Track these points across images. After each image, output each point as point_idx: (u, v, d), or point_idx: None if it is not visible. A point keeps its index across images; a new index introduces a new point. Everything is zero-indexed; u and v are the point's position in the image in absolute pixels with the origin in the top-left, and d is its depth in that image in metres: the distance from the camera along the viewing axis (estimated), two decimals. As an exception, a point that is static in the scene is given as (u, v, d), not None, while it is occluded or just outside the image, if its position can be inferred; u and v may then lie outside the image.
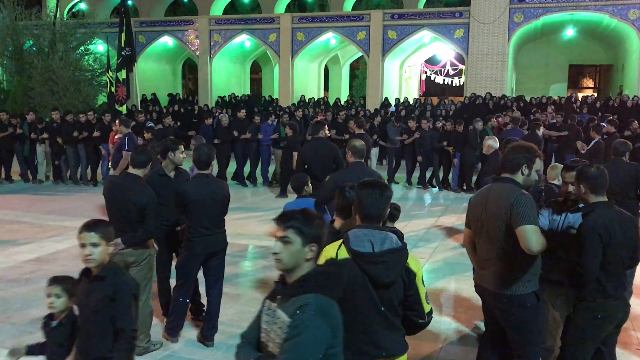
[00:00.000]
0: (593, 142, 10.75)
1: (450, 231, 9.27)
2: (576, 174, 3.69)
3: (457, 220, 9.82)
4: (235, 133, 13.18)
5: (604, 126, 13.46)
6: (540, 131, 11.42)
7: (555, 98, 21.55)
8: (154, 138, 10.95)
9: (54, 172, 13.91)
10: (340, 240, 2.74)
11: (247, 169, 13.78)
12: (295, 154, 11.92)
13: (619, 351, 4.72)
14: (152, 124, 14.30)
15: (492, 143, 7.84)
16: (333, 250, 2.71)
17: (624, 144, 6.13)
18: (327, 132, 7.43)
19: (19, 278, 6.73)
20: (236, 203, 9.30)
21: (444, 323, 5.60)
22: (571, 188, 3.91)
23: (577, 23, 23.92)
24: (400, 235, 2.83)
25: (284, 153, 12.33)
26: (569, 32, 24.92)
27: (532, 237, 3.28)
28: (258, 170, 13.78)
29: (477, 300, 4.12)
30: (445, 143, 12.82)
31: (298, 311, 2.13)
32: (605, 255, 3.45)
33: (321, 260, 2.68)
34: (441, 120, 14.32)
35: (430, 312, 2.83)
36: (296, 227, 2.25)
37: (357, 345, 2.71)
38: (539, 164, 3.57)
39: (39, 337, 5.00)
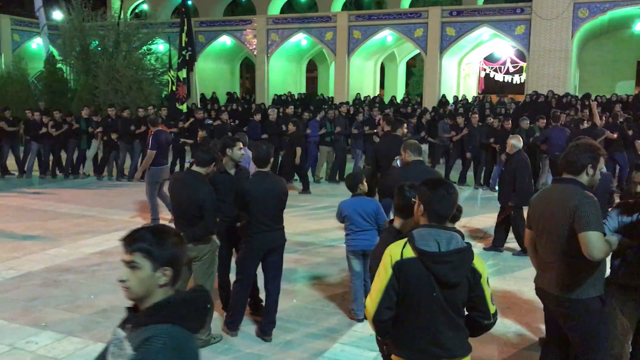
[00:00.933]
0: None
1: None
2: None
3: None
4: (284, 127, 13.26)
5: None
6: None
7: (623, 96, 20.73)
8: (208, 136, 11.21)
9: (95, 167, 14.42)
10: (405, 239, 2.73)
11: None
12: (299, 150, 12.06)
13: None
14: (210, 121, 14.61)
15: (516, 142, 7.64)
16: (398, 249, 2.71)
17: None
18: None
19: (85, 269, 7.02)
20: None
21: (504, 325, 5.49)
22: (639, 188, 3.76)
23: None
24: (461, 236, 2.80)
25: (286, 149, 12.38)
26: (638, 27, 23.90)
27: (595, 244, 3.19)
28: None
29: (538, 302, 4.02)
30: (492, 140, 12.57)
31: (144, 343, 1.79)
32: None
33: (386, 261, 2.69)
34: (496, 117, 14.04)
35: (496, 313, 2.80)
36: (144, 250, 1.92)
37: (421, 345, 2.71)
38: (602, 162, 3.45)
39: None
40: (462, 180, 13.28)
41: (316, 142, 13.55)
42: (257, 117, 13.87)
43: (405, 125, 7.61)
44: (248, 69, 36.73)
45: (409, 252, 2.67)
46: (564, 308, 3.46)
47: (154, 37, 23.05)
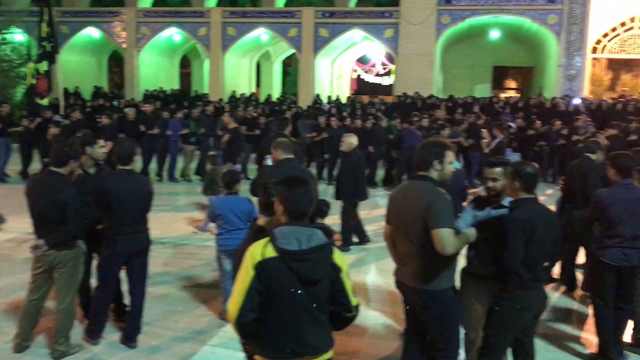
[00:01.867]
0: (496, 141, 11.22)
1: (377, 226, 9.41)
2: (513, 171, 3.81)
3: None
4: (142, 128, 12.72)
5: (510, 126, 14.13)
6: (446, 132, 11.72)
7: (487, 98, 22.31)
8: (62, 134, 10.50)
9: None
10: (267, 239, 2.70)
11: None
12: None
13: (546, 346, 4.94)
14: (59, 119, 13.69)
15: (352, 140, 7.86)
16: (259, 249, 2.67)
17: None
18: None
19: None
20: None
21: (371, 318, 5.67)
22: (491, 184, 4.01)
23: (501, 26, 24.85)
24: (329, 232, 2.82)
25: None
26: (494, 35, 25.86)
27: (446, 241, 3.39)
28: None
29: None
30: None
31: None
32: (527, 249, 3.59)
33: (248, 261, 2.65)
34: (367, 117, 14.66)
35: (357, 305, 2.84)
36: None
37: (283, 344, 2.69)
38: (451, 156, 3.66)
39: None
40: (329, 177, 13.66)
41: (176, 140, 13.02)
42: (114, 116, 13.27)
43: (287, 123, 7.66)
44: (118, 63, 35.01)
45: (271, 252, 2.64)
46: (421, 299, 3.63)
47: (9, 25, 21.24)
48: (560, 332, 5.47)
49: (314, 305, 2.69)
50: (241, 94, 25.33)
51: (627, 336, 5.04)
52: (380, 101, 23.39)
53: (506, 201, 3.91)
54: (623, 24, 25.67)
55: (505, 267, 3.62)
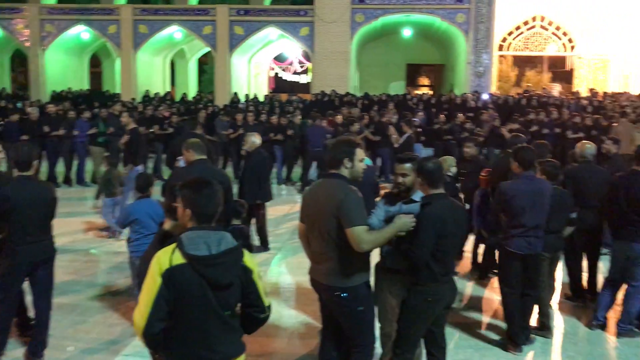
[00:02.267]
0: (405, 136, 11.57)
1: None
2: (416, 167, 3.89)
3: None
4: (46, 129, 12.04)
5: (415, 121, 14.66)
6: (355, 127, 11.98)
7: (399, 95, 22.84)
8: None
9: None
10: (174, 245, 2.61)
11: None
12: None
13: (461, 334, 5.11)
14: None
15: (255, 139, 7.71)
16: (167, 256, 2.57)
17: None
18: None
19: None
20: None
21: (289, 317, 5.66)
22: (401, 179, 4.09)
23: (413, 24, 25.53)
24: (245, 233, 2.77)
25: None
26: (406, 33, 26.52)
27: (361, 238, 3.43)
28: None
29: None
30: (271, 135, 13.13)
31: None
32: (438, 244, 3.68)
33: (154, 269, 2.55)
34: (285, 115, 14.74)
35: (270, 306, 2.81)
36: None
37: (193, 352, 2.62)
38: (361, 154, 3.71)
39: None
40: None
41: (83, 141, 12.44)
42: (14, 117, 12.53)
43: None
44: (22, 62, 33.10)
45: (179, 258, 2.55)
46: (336, 297, 3.65)
47: None
48: (471, 320, 5.68)
49: (225, 310, 2.63)
50: (155, 93, 24.64)
51: (533, 320, 5.30)
52: (299, 99, 23.46)
53: (416, 196, 4.00)
54: (526, 23, 27.08)
55: (416, 261, 3.70)
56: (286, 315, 5.70)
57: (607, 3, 25.43)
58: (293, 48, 29.52)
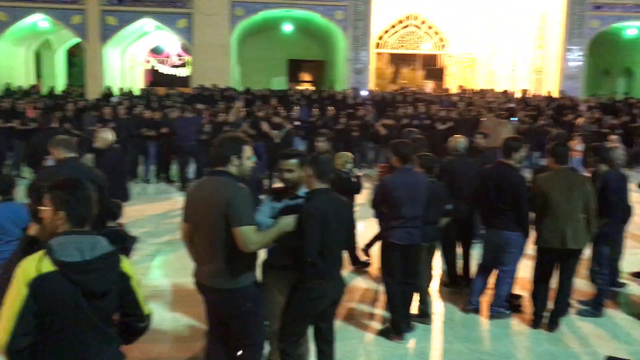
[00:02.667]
0: (284, 130, 11.79)
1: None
2: (309, 160, 3.86)
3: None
4: None
5: (294, 115, 14.96)
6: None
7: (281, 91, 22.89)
8: None
9: None
10: (42, 251, 2.39)
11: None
12: None
13: (346, 326, 5.19)
14: None
15: (106, 136, 7.39)
16: (33, 264, 2.35)
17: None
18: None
19: None
20: None
21: (173, 320, 5.47)
22: (287, 175, 4.07)
23: (294, 20, 25.71)
24: (123, 235, 2.60)
25: None
26: (287, 28, 26.66)
27: (250, 239, 3.38)
28: None
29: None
30: (144, 130, 12.79)
31: None
32: (322, 239, 3.66)
33: (19, 279, 2.33)
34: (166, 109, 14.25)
35: (150, 314, 2.68)
36: None
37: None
38: (249, 151, 3.64)
39: None
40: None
41: None
42: None
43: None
44: None
45: (48, 266, 2.35)
46: (224, 298, 3.55)
47: None
48: (355, 311, 5.81)
49: (101, 319, 2.46)
50: (18, 87, 22.82)
51: (414, 308, 5.53)
52: (178, 93, 22.77)
53: (302, 192, 3.99)
54: (401, 22, 28.28)
55: (301, 258, 3.69)
56: (168, 318, 5.50)
57: (474, 4, 27.18)
58: (171, 40, 28.62)
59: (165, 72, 31.08)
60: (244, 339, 3.66)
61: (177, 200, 10.77)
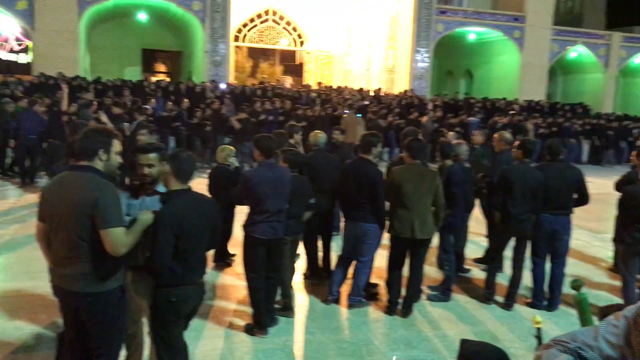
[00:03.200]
0: (135, 123, 11.37)
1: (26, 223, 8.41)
2: (168, 158, 3.68)
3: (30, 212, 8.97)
4: None
5: (145, 107, 14.60)
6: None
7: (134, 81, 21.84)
8: None
9: None
10: None
11: None
12: None
13: (208, 324, 5.08)
14: None
15: None
16: None
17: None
18: None
19: None
20: None
21: (16, 329, 5.01)
22: (147, 170, 3.89)
23: (149, 8, 24.68)
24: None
25: None
26: (142, 17, 25.51)
27: (119, 241, 3.18)
28: None
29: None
30: None
31: None
32: (177, 244, 3.49)
33: None
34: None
35: None
36: None
37: None
38: (118, 145, 3.42)
39: None
40: None
41: None
42: None
43: None
44: None
45: None
46: (87, 303, 3.28)
47: None
48: (217, 308, 5.73)
49: None
50: None
51: (277, 302, 5.57)
52: (17, 81, 20.88)
53: (162, 187, 3.83)
54: (260, 16, 28.28)
55: (154, 263, 3.50)
56: (10, 328, 5.03)
57: (330, 2, 27.96)
58: (9, 23, 26.13)
59: (3, 58, 28.33)
60: (100, 347, 3.41)
61: (17, 196, 9.90)
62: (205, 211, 3.72)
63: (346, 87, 25.01)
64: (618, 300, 6.15)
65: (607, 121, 22.29)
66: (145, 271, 3.68)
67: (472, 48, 28.65)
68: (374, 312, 5.86)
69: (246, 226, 5.09)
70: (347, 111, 16.96)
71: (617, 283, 6.39)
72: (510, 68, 27.09)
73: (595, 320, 2.41)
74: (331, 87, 24.80)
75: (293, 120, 15.42)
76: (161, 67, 31.74)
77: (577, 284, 2.68)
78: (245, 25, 28.07)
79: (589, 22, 35.05)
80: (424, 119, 15.99)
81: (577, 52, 28.55)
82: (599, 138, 20.80)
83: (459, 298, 6.38)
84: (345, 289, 6.09)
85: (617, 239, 6.05)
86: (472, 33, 27.21)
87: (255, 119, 15.50)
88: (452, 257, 6.40)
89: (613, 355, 1.76)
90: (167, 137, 14.20)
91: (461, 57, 30.11)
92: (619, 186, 6.82)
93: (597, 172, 16.70)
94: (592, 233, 9.47)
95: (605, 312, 2.44)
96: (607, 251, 8.30)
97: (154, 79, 26.03)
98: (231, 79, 24.51)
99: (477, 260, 7.60)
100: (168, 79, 25.75)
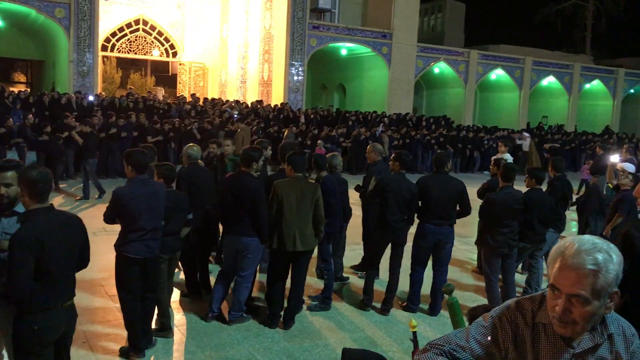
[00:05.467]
0: None
1: None
2: (18, 177, 3.38)
3: None
4: None
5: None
6: None
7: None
8: None
9: None
10: None
11: None
12: None
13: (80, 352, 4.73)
14: None
15: None
16: None
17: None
18: None
19: None
20: None
21: None
22: (4, 190, 3.58)
23: (5, 13, 22.90)
24: None
25: None
26: (-4, 23, 23.65)
27: None
28: None
29: None
30: None
31: None
32: (39, 265, 3.24)
33: None
34: None
35: None
36: None
37: None
38: None
39: None
40: None
41: None
42: None
43: None
44: None
45: None
46: None
47: None
48: (92, 333, 5.39)
49: None
50: None
51: (154, 323, 5.34)
52: None
53: (21, 207, 3.54)
54: (129, 25, 27.25)
55: (14, 287, 3.22)
56: None
57: (204, 13, 27.62)
58: None
59: None
60: None
61: None
62: (71, 230, 3.50)
63: (219, 99, 24.80)
64: (483, 300, 6.60)
65: (458, 132, 23.35)
66: (4, 298, 3.36)
67: (345, 63, 29.59)
68: (256, 326, 5.80)
69: (119, 245, 4.84)
70: (235, 116, 16.97)
71: (482, 284, 6.84)
72: (380, 82, 28.29)
73: (466, 322, 2.55)
74: (205, 98, 24.45)
75: (150, 135, 15.12)
76: (21, 77, 29.56)
77: (448, 289, 2.83)
78: (114, 35, 26.91)
79: (449, 40, 37.57)
80: (286, 131, 16.08)
81: (440, 68, 30.48)
82: (453, 148, 21.81)
83: (339, 306, 6.51)
84: (226, 305, 5.98)
85: (480, 242, 6.48)
86: (344, 48, 28.11)
87: (105, 133, 14.83)
88: (331, 266, 6.52)
89: (483, 354, 1.87)
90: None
91: (334, 72, 30.99)
92: (481, 193, 7.35)
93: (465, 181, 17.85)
94: (458, 237, 10.08)
95: (473, 313, 2.60)
96: (471, 254, 8.89)
97: (12, 89, 24.16)
98: (99, 90, 23.33)
99: (355, 267, 7.80)
100: (28, 90, 23.98)
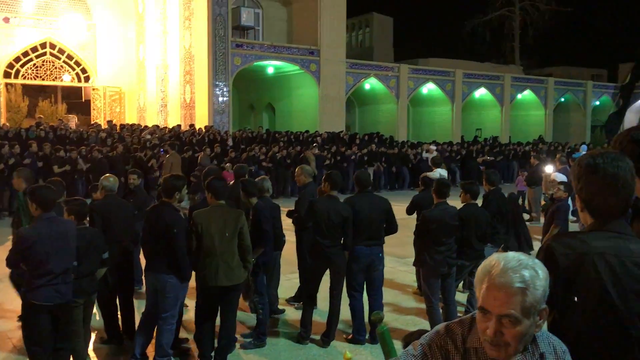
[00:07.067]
0: None
1: None
2: None
3: None
4: None
5: None
6: None
7: None
8: None
9: None
10: None
11: None
12: None
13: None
14: None
15: None
16: None
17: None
18: None
19: None
20: None
21: None
22: None
23: None
24: None
25: None
26: None
27: None
28: None
29: None
30: None
31: None
32: None
33: None
34: None
35: None
36: None
37: None
38: None
39: None
40: None
41: None
42: None
43: None
44: None
45: None
46: None
47: None
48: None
49: None
50: None
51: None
52: None
53: None
54: (35, 49, 26.39)
55: None
56: None
57: (115, 35, 27.10)
58: None
59: None
60: None
61: None
62: None
63: (138, 124, 24.31)
64: (425, 323, 6.67)
65: (387, 148, 23.70)
66: None
67: (272, 82, 29.70)
68: (184, 370, 5.63)
69: (25, 292, 4.60)
70: (162, 150, 16.59)
71: (423, 306, 6.92)
72: (310, 101, 28.53)
73: (400, 350, 2.56)
74: (122, 124, 23.91)
75: (56, 164, 14.63)
76: None
77: (377, 317, 2.81)
78: (17, 60, 25.97)
79: (379, 55, 38.43)
80: (201, 155, 15.67)
81: (371, 84, 31.09)
82: (380, 164, 21.98)
83: (275, 341, 6.40)
84: (152, 350, 5.77)
85: (418, 263, 6.57)
86: (271, 67, 28.22)
87: (3, 164, 14.27)
88: (265, 299, 6.41)
89: None
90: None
91: (262, 91, 31.04)
92: (410, 209, 7.57)
93: (394, 198, 18.12)
94: (396, 258, 10.20)
95: (408, 340, 2.60)
96: (412, 275, 8.99)
97: None
98: (3, 120, 22.40)
99: (291, 299, 7.72)
100: None
